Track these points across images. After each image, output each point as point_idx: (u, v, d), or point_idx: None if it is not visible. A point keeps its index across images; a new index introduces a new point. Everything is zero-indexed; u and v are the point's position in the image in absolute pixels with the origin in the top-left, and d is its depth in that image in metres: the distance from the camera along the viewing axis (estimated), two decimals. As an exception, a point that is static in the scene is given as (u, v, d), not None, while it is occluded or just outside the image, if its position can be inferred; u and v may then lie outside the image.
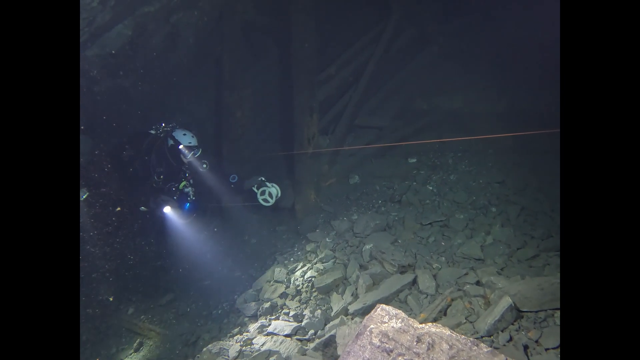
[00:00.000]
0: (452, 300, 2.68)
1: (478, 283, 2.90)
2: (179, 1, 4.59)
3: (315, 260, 4.09)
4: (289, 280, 3.97)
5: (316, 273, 3.85)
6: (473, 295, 2.65)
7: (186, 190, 4.60)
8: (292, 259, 4.29)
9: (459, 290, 2.80)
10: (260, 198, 4.53)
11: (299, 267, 4.13)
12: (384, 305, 2.04)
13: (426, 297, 2.99)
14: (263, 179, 4.60)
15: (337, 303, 3.40)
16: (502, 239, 3.51)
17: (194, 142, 4.41)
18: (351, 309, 3.11)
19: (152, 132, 4.50)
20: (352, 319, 3.03)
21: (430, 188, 4.62)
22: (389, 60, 6.02)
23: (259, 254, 4.78)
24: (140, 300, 4.96)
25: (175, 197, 4.42)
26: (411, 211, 4.32)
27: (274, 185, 4.55)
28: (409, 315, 2.84)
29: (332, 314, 3.27)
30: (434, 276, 3.20)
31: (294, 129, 5.16)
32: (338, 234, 4.31)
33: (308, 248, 4.33)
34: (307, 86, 5.15)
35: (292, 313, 3.49)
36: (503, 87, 5.91)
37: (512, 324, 2.27)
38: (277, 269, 4.17)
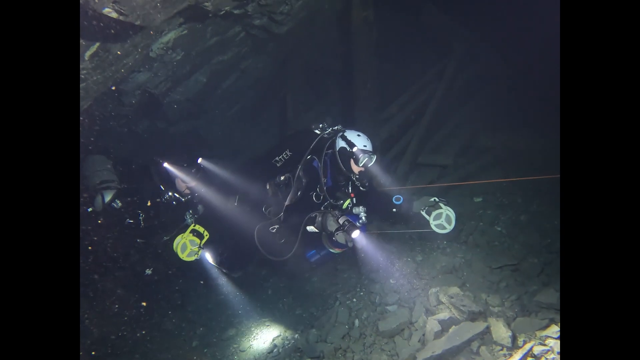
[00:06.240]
0: (535, 356, 2.49)
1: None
2: (250, 49, 4.90)
3: (378, 302, 4.00)
4: (352, 322, 3.89)
5: (380, 315, 3.76)
6: (557, 352, 2.45)
7: (356, 211, 3.66)
8: (354, 300, 4.22)
9: (541, 344, 2.60)
10: (433, 224, 3.55)
11: (362, 307, 4.05)
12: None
13: (501, 350, 2.81)
14: (436, 199, 3.62)
15: (403, 349, 3.27)
16: (584, 288, 3.24)
17: (369, 145, 3.48)
18: (419, 357, 2.98)
19: (317, 132, 3.66)
20: (421, 368, 2.90)
21: (499, 229, 4.41)
22: (452, 97, 5.98)
23: (321, 292, 4.75)
24: (203, 334, 5.07)
25: None
26: (479, 253, 4.13)
27: (449, 207, 3.56)
28: (484, 368, 2.67)
29: (399, 360, 3.15)
30: (509, 326, 3.01)
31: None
32: (402, 275, 4.20)
33: (371, 289, 4.24)
34: (369, 125, 5.21)
35: (356, 357, 3.40)
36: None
37: (606, 388, 2.06)
38: (339, 310, 4.12)
